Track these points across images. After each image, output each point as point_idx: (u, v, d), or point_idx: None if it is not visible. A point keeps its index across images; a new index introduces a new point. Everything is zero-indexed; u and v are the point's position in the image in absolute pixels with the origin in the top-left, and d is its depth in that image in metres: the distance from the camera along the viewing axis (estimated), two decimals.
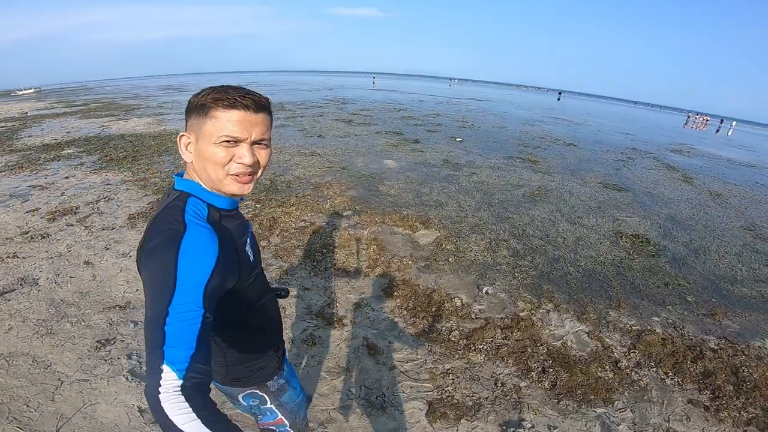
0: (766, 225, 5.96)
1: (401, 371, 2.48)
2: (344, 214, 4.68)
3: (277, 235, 4.11)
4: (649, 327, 3.07)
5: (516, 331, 2.91)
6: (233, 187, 0.83)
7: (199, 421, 0.63)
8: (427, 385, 2.39)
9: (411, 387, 2.37)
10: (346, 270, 3.57)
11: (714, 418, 2.31)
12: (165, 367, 0.64)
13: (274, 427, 1.15)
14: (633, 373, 2.59)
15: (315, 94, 23.22)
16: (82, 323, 2.69)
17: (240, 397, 1.09)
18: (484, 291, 3.36)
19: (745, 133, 36.50)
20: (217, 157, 0.79)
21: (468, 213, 4.98)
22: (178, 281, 0.69)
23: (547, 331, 2.95)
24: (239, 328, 0.98)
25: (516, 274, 3.68)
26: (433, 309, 3.09)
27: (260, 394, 1.08)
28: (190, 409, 0.63)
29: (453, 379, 2.45)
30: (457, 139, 10.16)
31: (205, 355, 0.69)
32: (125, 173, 5.88)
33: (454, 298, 3.24)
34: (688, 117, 40.67)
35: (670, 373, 2.61)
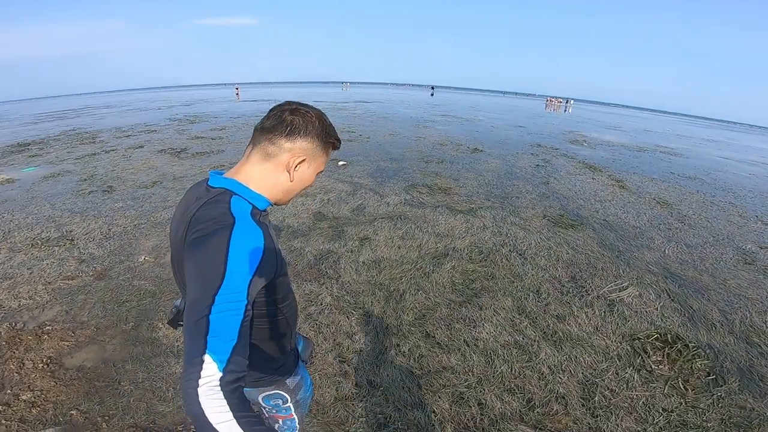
0: (751, 245, 4.41)
1: None
2: None
3: None
4: None
5: None
6: (286, 202, 0.90)
7: (235, 422, 0.60)
8: None
9: None
10: None
11: None
12: (207, 357, 0.61)
13: (281, 422, 1.06)
14: None
15: (163, 113, 18.27)
16: None
17: (260, 399, 1.02)
18: None
19: (580, 109, 42.31)
20: (310, 182, 0.88)
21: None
22: (227, 271, 0.66)
23: None
24: (270, 319, 0.92)
25: None
26: None
27: (282, 393, 1.01)
28: (228, 408, 0.60)
29: None
30: (340, 163, 7.45)
31: (245, 349, 0.66)
32: None
33: None
34: (547, 101, 44.47)
35: None
